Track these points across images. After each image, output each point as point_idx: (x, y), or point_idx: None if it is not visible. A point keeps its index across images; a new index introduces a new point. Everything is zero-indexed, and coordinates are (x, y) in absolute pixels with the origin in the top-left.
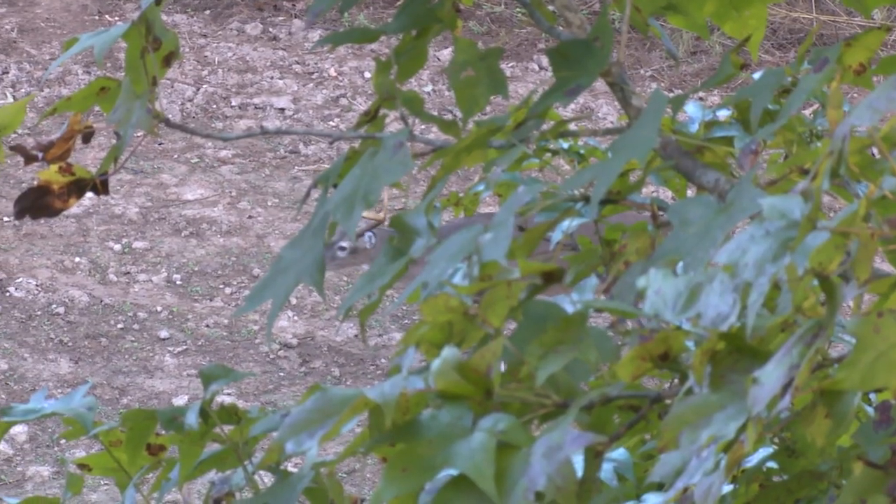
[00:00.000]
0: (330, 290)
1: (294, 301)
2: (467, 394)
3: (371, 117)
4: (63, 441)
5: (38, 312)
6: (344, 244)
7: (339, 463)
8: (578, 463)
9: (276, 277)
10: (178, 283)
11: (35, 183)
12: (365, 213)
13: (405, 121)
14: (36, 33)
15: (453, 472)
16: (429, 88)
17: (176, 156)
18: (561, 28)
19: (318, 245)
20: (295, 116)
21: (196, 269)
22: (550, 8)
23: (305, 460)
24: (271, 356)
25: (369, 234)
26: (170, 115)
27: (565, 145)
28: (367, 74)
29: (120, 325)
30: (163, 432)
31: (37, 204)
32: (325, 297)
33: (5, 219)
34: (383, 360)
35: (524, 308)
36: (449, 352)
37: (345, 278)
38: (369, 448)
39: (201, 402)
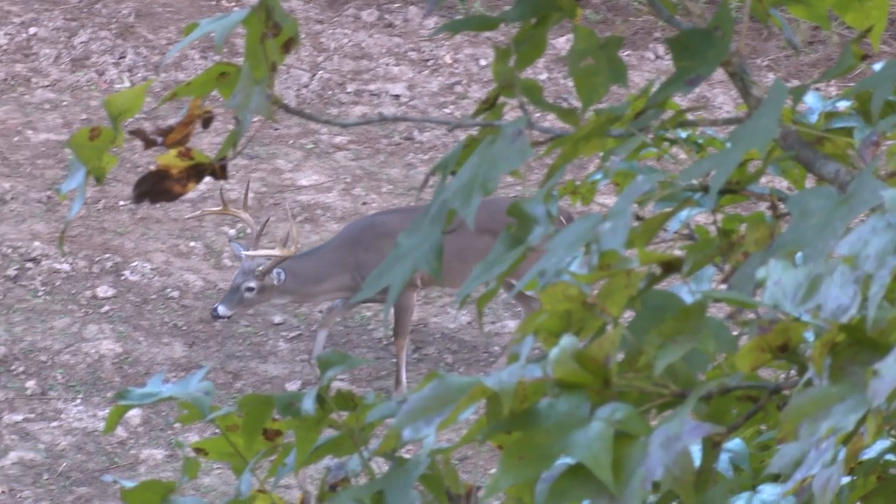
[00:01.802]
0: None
1: None
2: (585, 383)
3: (489, 105)
4: (176, 424)
5: (153, 296)
6: (251, 285)
7: (454, 450)
8: (695, 453)
9: (393, 264)
10: None
11: (153, 167)
12: (275, 251)
13: (524, 109)
14: (153, 18)
15: (570, 461)
16: (544, 76)
17: (291, 141)
18: (680, 17)
19: (435, 232)
20: (410, 103)
21: None
22: None
23: (422, 447)
24: (384, 342)
25: (278, 270)
26: (285, 101)
27: (683, 134)
28: (483, 62)
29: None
30: (279, 417)
31: (155, 188)
32: (443, 284)
33: (121, 202)
34: (496, 348)
35: (643, 297)
36: (567, 340)
37: None
38: (486, 436)
39: (318, 388)
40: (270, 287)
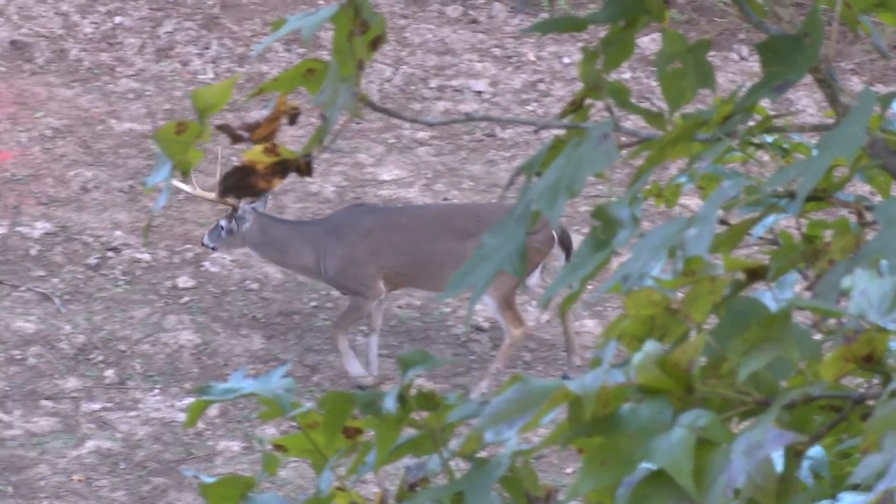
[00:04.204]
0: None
1: None
2: (668, 388)
3: (576, 107)
4: (253, 416)
5: (233, 288)
6: (222, 223)
7: (535, 453)
8: (776, 461)
9: (477, 264)
10: None
11: (237, 160)
12: (209, 194)
13: (610, 111)
14: (238, 10)
15: (651, 466)
16: (628, 75)
17: (373, 136)
18: (769, 22)
19: (520, 233)
20: (492, 100)
21: None
22: (758, 0)
23: (502, 449)
24: (462, 339)
25: (242, 218)
26: (369, 96)
27: (769, 139)
28: (566, 59)
29: (313, 303)
30: (360, 416)
31: (241, 183)
32: (526, 287)
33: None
34: None
35: (727, 304)
36: (651, 346)
37: None
38: (568, 440)
39: (399, 388)
40: (238, 232)
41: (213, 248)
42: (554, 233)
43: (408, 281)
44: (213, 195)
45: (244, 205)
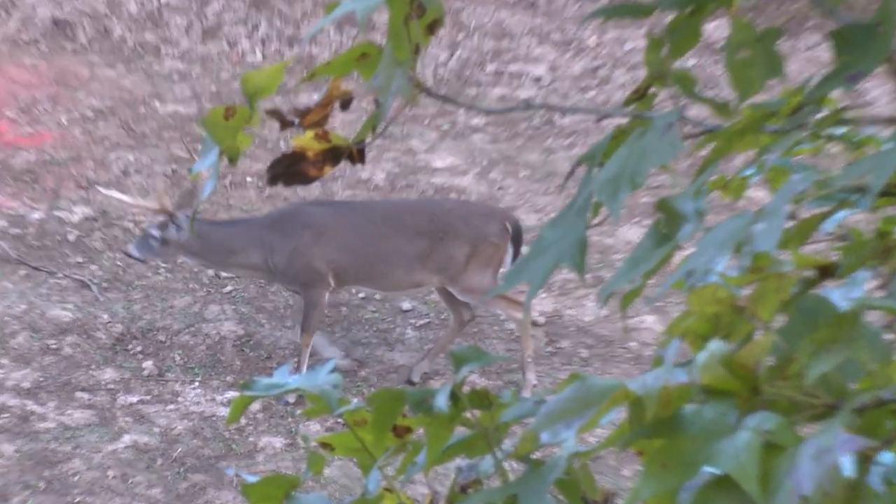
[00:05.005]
0: None
1: None
2: (733, 389)
3: (640, 95)
4: (297, 411)
5: None
6: (153, 232)
7: (593, 455)
8: (845, 467)
9: (535, 257)
10: None
11: (287, 147)
12: (128, 198)
13: (676, 101)
14: None
15: (715, 470)
16: (692, 62)
17: (427, 121)
18: (841, 10)
19: (580, 226)
20: (551, 86)
21: None
22: None
23: (558, 450)
24: (517, 334)
25: (175, 225)
26: (424, 79)
27: (839, 132)
28: (628, 45)
29: (361, 294)
30: (410, 414)
31: (290, 170)
32: (585, 281)
33: (248, 178)
34: (633, 343)
35: (796, 303)
36: (716, 345)
37: None
38: (628, 442)
39: (452, 385)
40: (174, 241)
41: (139, 260)
42: (508, 225)
43: (355, 279)
44: (153, 204)
45: (181, 213)
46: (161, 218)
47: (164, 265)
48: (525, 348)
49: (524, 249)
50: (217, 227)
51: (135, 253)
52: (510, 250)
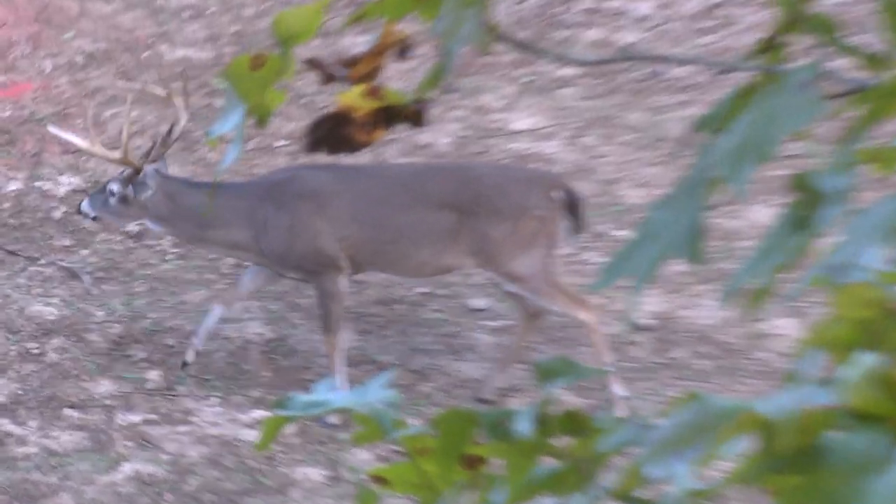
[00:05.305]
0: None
1: None
2: (888, 414)
3: (770, 44)
4: (342, 437)
5: None
6: (113, 187)
7: (713, 493)
8: None
9: (640, 245)
10: None
11: (333, 108)
12: (85, 144)
13: (816, 52)
14: None
15: None
16: (832, 1)
17: (502, 72)
18: None
19: (696, 206)
20: (660, 28)
21: None
22: None
23: (670, 487)
24: (619, 340)
25: (146, 183)
26: (498, 21)
27: None
28: None
29: (421, 289)
30: (484, 440)
31: (334, 135)
32: (702, 274)
33: (277, 143)
34: (763, 354)
35: None
36: (866, 357)
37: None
38: (756, 477)
39: (537, 405)
40: (138, 201)
41: (92, 219)
42: (557, 194)
43: (371, 261)
44: (116, 154)
45: (148, 167)
46: (125, 171)
47: (116, 225)
48: (599, 353)
49: (626, 234)
50: (193, 189)
51: (86, 208)
52: (564, 224)
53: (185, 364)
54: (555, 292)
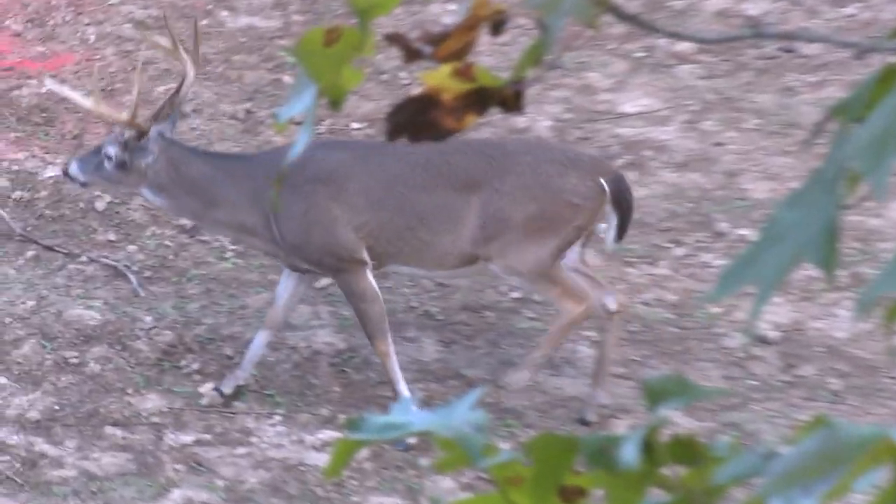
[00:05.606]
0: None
1: None
2: None
3: None
4: (422, 463)
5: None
6: (110, 150)
7: None
8: None
9: (767, 247)
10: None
11: (418, 89)
12: (92, 104)
13: None
14: None
15: None
16: None
17: (612, 46)
18: None
19: (830, 204)
20: None
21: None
22: None
23: None
24: (739, 355)
25: (147, 148)
26: None
27: None
28: None
29: (515, 293)
30: (585, 469)
31: (418, 120)
32: (836, 281)
33: (354, 125)
34: None
35: None
36: None
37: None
38: None
39: (645, 430)
40: (137, 167)
41: (82, 185)
42: (603, 182)
43: (388, 253)
44: (122, 115)
45: (155, 129)
46: (127, 133)
47: (108, 194)
48: (539, 347)
49: (750, 233)
50: (201, 159)
51: (75, 172)
52: (612, 220)
53: (222, 394)
54: (550, 285)
